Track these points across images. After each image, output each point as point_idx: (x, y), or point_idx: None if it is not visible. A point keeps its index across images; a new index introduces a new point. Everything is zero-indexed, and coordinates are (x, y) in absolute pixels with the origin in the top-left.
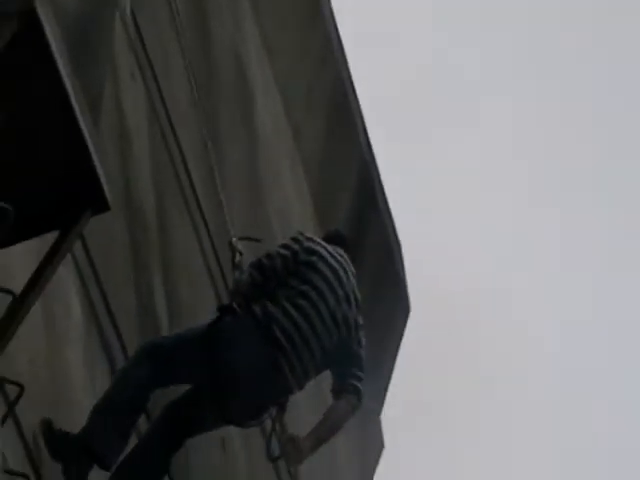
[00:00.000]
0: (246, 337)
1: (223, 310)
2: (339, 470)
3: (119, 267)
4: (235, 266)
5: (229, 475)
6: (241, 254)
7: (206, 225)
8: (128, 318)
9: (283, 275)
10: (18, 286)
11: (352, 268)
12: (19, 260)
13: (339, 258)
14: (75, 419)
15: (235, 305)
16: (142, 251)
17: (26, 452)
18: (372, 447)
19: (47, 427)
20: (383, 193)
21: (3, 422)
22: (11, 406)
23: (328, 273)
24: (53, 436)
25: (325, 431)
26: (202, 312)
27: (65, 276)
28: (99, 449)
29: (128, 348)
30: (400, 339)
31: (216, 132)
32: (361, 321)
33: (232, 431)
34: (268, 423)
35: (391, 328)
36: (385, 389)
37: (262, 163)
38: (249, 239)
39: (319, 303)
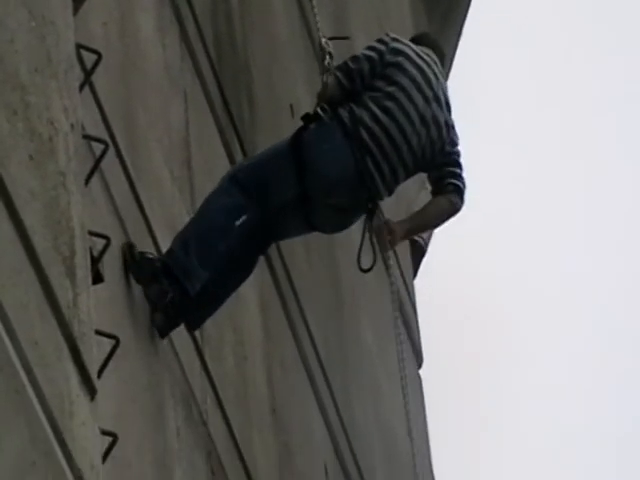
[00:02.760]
0: (333, 142)
1: (307, 118)
2: None
3: None
4: (324, 69)
5: None
6: (331, 56)
7: None
8: None
9: (370, 78)
10: None
11: (441, 68)
12: None
13: (426, 58)
14: (146, 93)
15: (320, 110)
16: None
17: (102, 119)
18: None
19: (129, 251)
20: None
21: (81, 89)
22: (89, 74)
23: (415, 73)
24: (134, 260)
25: (421, 221)
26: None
27: None
28: (180, 272)
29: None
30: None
31: None
32: (452, 122)
33: (301, 98)
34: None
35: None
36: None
37: None
38: (337, 38)
39: (407, 104)
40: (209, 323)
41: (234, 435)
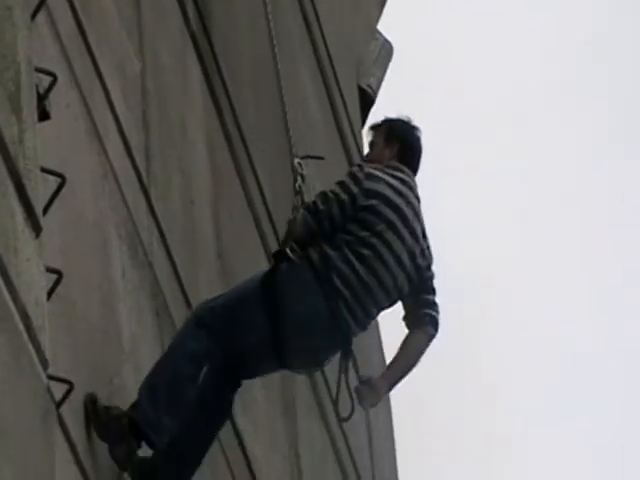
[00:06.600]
0: (304, 286)
1: (278, 257)
2: None
3: None
4: (296, 192)
5: None
6: (303, 178)
7: None
8: None
9: (341, 220)
10: None
11: (417, 191)
12: None
13: (402, 189)
14: None
15: (289, 251)
16: None
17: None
18: None
19: (92, 404)
20: None
21: None
22: None
23: (392, 215)
24: (98, 416)
25: (401, 369)
26: None
27: None
28: (149, 429)
29: None
30: None
31: None
32: (428, 243)
33: None
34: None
35: None
36: None
37: None
38: (311, 157)
39: (383, 250)
40: (156, 164)
41: (180, 278)
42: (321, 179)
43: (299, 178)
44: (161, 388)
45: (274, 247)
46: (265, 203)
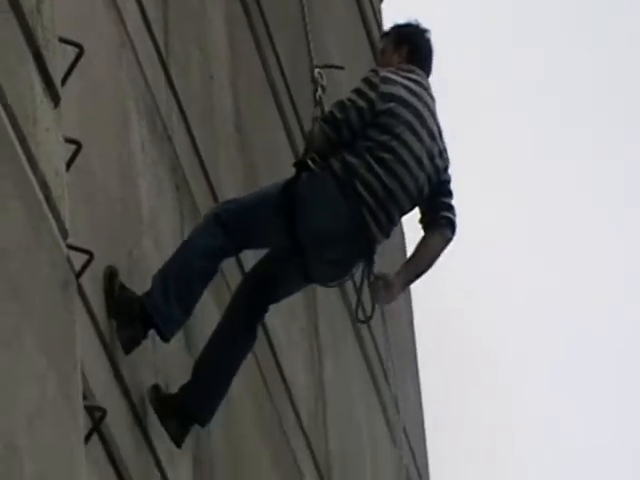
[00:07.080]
0: (326, 194)
1: (299, 166)
2: None
3: None
4: (316, 102)
5: None
6: (324, 89)
7: None
8: None
9: (360, 126)
10: None
11: (431, 91)
12: None
13: (417, 89)
14: None
15: (310, 162)
16: None
17: None
18: None
19: (110, 281)
20: None
21: None
22: None
23: (409, 116)
24: (113, 292)
25: (417, 268)
26: None
27: None
28: (159, 319)
29: None
30: None
31: None
32: (444, 145)
33: None
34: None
35: None
36: None
37: None
38: (331, 67)
39: (403, 152)
40: (175, 39)
41: (199, 152)
42: (342, 57)
43: (319, 89)
44: (172, 280)
45: (293, 123)
46: (284, 77)
